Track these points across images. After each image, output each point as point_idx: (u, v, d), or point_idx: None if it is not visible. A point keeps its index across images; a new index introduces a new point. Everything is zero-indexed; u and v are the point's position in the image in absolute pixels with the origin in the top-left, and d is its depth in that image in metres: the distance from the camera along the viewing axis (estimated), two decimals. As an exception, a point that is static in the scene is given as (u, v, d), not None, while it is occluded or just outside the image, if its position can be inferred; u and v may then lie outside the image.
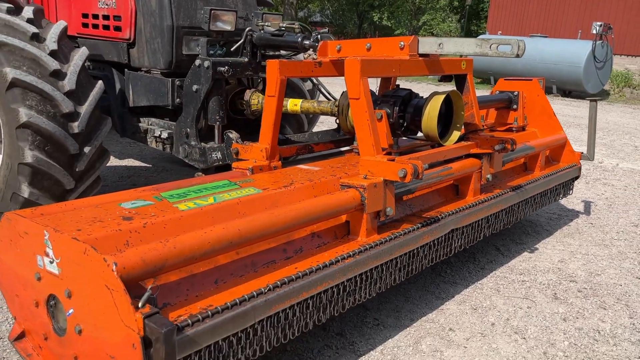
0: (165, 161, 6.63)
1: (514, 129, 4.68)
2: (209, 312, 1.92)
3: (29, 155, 3.66)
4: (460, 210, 3.25)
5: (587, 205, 5.65)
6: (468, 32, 34.07)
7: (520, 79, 4.86)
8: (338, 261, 2.45)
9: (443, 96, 3.28)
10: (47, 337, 2.19)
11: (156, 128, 4.38)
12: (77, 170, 3.94)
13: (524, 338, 3.08)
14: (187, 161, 4.13)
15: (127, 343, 1.75)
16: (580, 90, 17.94)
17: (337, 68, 3.44)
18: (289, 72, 3.22)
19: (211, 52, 3.95)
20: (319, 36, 3.70)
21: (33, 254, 2.13)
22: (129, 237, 2.05)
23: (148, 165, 6.35)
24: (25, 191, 3.76)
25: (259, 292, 2.11)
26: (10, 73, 3.60)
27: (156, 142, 4.42)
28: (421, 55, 3.15)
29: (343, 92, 3.79)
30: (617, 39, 19.88)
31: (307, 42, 3.76)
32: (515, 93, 4.74)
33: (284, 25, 3.89)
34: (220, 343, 1.99)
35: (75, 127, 3.85)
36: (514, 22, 23.89)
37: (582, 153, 4.76)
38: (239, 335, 2.06)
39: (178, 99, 4.12)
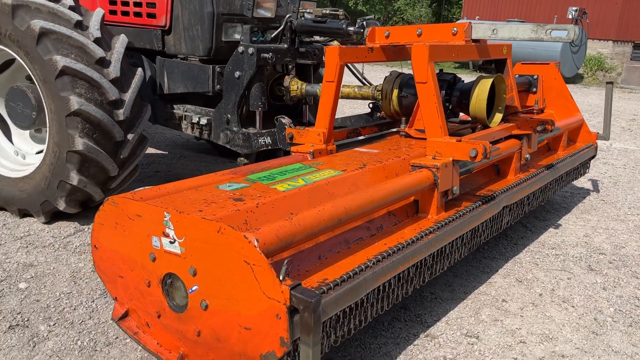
0: (181, 148, 6.65)
1: (535, 111, 4.87)
2: (333, 283, 2.05)
3: (80, 143, 3.69)
4: (510, 188, 3.43)
5: (595, 184, 5.93)
6: (439, 18, 34.43)
7: (538, 63, 5.06)
8: (422, 237, 2.60)
9: (491, 80, 3.44)
10: (160, 315, 2.28)
11: (193, 115, 4.43)
12: (121, 157, 3.99)
13: (573, 306, 3.29)
14: (228, 147, 4.21)
15: (269, 314, 1.86)
16: (557, 74, 18.36)
17: (387, 54, 3.56)
18: (347, 58, 3.33)
19: (254, 38, 4.02)
20: (364, 22, 3.80)
21: (147, 236, 2.21)
22: (246, 217, 2.15)
23: (164, 153, 6.36)
24: (74, 179, 3.80)
25: (366, 265, 2.24)
26: (61, 61, 3.61)
27: (192, 128, 4.47)
28: (473, 40, 3.30)
29: (386, 77, 3.92)
30: (590, 24, 20.44)
31: (351, 28, 3.86)
32: (535, 77, 4.92)
33: (327, 11, 3.98)
34: (338, 314, 2.13)
35: (121, 114, 3.89)
36: (489, 6, 24.27)
37: (599, 133, 5.00)
38: (352, 305, 2.20)
39: (218, 86, 4.18)
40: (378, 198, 2.47)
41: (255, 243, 1.86)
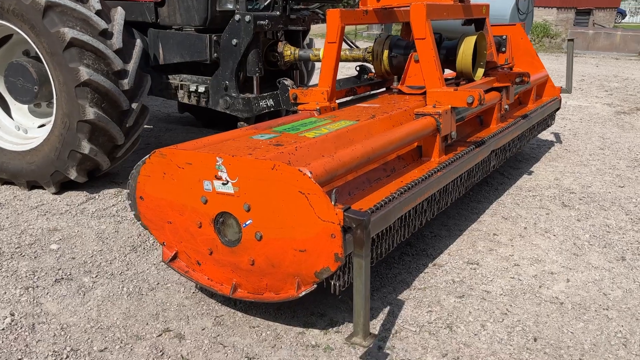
0: (164, 122, 6.80)
1: (505, 68, 5.29)
2: (371, 210, 2.37)
3: (91, 112, 3.85)
4: (496, 135, 3.82)
5: (557, 136, 6.45)
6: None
7: (506, 25, 5.46)
8: (431, 175, 2.95)
9: (475, 37, 3.79)
10: (212, 251, 2.55)
11: (190, 84, 4.62)
12: (126, 125, 4.17)
13: (554, 235, 3.74)
14: (228, 112, 4.43)
15: (324, 235, 2.17)
16: (507, 41, 19.08)
17: (379, 16, 3.86)
18: (347, 20, 3.60)
19: (249, 7, 4.23)
20: (355, -12, 4.07)
21: (198, 181, 2.46)
22: (289, 158, 2.43)
23: (149, 127, 6.49)
24: (86, 147, 3.96)
25: (393, 196, 2.57)
26: (69, 33, 3.75)
27: (189, 97, 4.66)
28: (460, 1, 3.64)
29: (376, 39, 4.22)
30: (536, -8, 21.20)
31: (342, -6, 4.13)
32: (504, 37, 5.32)
33: (318, -21, 4.23)
34: (376, 235, 2.45)
35: (125, 84, 4.05)
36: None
37: (562, 87, 5.47)
38: (384, 230, 2.53)
39: (215, 54, 4.39)
40: (395, 139, 2.80)
41: (310, 175, 2.16)
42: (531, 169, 5.16)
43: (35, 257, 3.27)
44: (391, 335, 2.60)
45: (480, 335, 2.62)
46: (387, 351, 2.48)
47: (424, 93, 3.78)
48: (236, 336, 2.57)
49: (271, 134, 2.79)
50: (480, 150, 3.52)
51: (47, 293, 2.89)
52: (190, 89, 4.60)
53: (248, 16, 4.12)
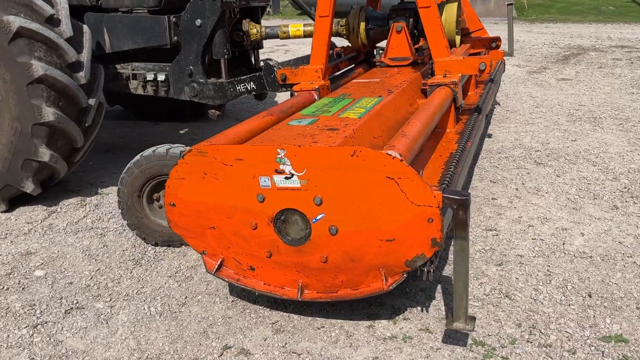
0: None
1: (472, 34, 5.36)
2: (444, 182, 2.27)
3: (49, 113, 3.35)
4: (485, 100, 3.86)
5: (494, 99, 6.72)
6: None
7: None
8: (465, 145, 2.89)
9: (456, 4, 3.76)
10: (271, 254, 2.30)
11: (146, 72, 4.15)
12: (85, 125, 3.69)
13: (546, 193, 3.87)
14: (196, 100, 4.06)
15: (419, 220, 2.02)
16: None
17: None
18: (337, -9, 3.40)
19: (210, -17, 3.86)
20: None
21: (252, 178, 2.19)
22: (352, 142, 2.24)
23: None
24: (45, 154, 3.46)
25: (451, 171, 2.48)
26: (15, 21, 3.19)
27: (145, 87, 4.20)
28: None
29: (350, 12, 4.06)
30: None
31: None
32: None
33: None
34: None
35: (82, 77, 3.58)
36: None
37: (504, 51, 5.67)
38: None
39: (175, 37, 3.97)
40: (437, 112, 2.70)
41: (400, 157, 1.99)
42: (488, 132, 5.31)
43: (23, 289, 2.78)
44: (459, 313, 2.53)
45: (539, 300, 2.63)
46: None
47: (411, 64, 3.72)
48: (305, 341, 2.36)
49: (310, 119, 2.56)
50: (482, 116, 3.52)
51: (63, 328, 2.46)
52: (147, 78, 4.13)
53: (214, -7, 3.76)
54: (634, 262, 2.95)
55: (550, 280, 2.79)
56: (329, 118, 2.56)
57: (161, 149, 3.02)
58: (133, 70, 4.22)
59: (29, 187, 3.55)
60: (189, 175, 2.30)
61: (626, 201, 3.70)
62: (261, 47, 4.45)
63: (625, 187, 3.92)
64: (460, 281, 2.07)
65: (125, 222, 3.12)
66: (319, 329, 2.44)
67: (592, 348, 2.27)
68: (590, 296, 2.65)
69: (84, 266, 2.99)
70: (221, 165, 2.23)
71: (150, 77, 4.12)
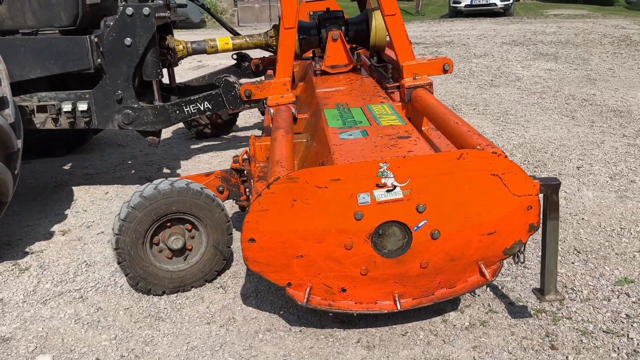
0: None
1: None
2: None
3: (-12, 163, 2.71)
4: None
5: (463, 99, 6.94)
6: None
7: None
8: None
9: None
10: (367, 270, 2.24)
11: (58, 103, 3.55)
12: (15, 172, 3.08)
13: (535, 123, 4.32)
14: (130, 128, 3.62)
15: (519, 209, 2.18)
16: None
17: None
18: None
19: (129, -4, 3.48)
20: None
21: (350, 197, 2.13)
22: (429, 146, 2.31)
23: None
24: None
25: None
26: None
27: (57, 120, 3.59)
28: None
29: (274, 25, 4.03)
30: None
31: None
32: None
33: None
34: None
35: (10, 115, 2.97)
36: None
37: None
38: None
39: (99, 60, 3.49)
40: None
41: (505, 154, 2.13)
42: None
43: (40, 382, 2.24)
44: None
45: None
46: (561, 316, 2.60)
47: (351, 70, 3.87)
48: (402, 349, 2.36)
49: (358, 130, 2.54)
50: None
51: (139, 410, 2.07)
52: (64, 110, 3.53)
53: (147, 8, 3.40)
54: None
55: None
56: (378, 127, 2.56)
57: (163, 184, 2.68)
58: (40, 101, 3.57)
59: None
60: (274, 205, 2.12)
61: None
62: (177, 64, 4.13)
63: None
64: (553, 258, 2.30)
65: (128, 275, 2.68)
66: (403, 335, 2.45)
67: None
68: None
69: (92, 338, 2.50)
70: (314, 189, 2.11)
71: (67, 107, 3.54)
